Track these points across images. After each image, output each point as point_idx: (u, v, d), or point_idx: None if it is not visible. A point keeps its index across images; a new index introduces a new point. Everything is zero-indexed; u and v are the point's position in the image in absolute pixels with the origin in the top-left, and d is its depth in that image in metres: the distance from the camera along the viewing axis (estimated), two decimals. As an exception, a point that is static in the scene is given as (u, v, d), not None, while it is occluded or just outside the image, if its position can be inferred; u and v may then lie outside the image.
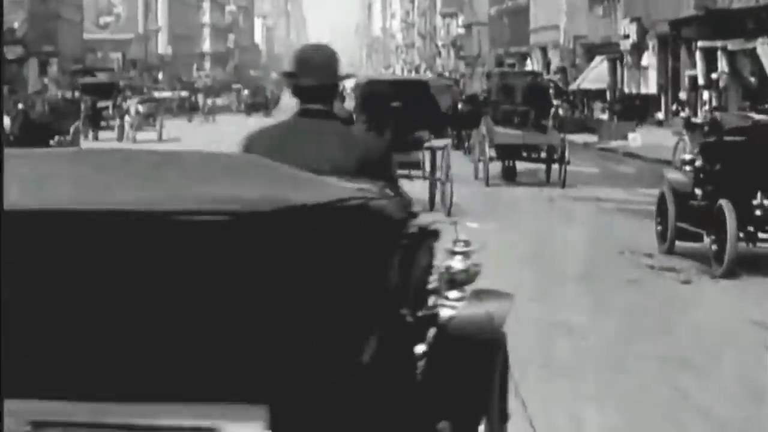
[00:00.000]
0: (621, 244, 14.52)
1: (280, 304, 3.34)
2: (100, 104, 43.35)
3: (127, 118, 40.16)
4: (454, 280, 4.57)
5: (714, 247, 12.34)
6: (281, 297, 3.35)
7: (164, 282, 3.36)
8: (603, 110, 48.30)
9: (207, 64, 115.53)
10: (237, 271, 3.33)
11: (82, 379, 3.40)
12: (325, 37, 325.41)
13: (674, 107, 38.80)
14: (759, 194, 12.36)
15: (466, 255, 4.65)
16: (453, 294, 4.54)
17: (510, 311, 4.70)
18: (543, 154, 23.87)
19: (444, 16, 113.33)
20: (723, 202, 12.17)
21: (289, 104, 59.33)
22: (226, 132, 48.85)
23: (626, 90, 49.30)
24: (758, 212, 12.34)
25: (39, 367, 3.41)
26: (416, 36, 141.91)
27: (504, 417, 4.89)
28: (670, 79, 43.41)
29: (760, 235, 12.60)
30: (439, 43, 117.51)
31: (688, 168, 13.56)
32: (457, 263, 4.60)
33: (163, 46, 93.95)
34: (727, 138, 13.29)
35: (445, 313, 4.43)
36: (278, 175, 3.53)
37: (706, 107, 36.83)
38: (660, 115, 43.14)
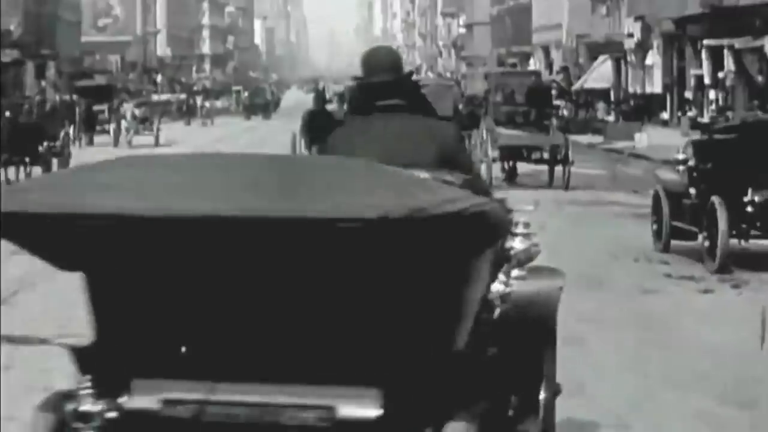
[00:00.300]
0: (635, 251, 13.84)
1: (398, 301, 3.86)
2: (96, 108, 42.44)
3: (123, 122, 39.22)
4: (516, 260, 4.83)
5: (706, 243, 12.56)
6: (400, 295, 3.86)
7: (296, 280, 3.84)
8: (606, 110, 47.76)
9: (206, 66, 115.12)
10: (362, 271, 3.82)
11: (214, 362, 3.91)
12: (325, 39, 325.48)
13: (686, 108, 38.19)
14: (750, 191, 12.56)
15: (526, 236, 4.89)
16: (515, 272, 4.80)
17: (563, 288, 5.07)
18: (545, 155, 23.70)
19: (445, 16, 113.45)
20: (715, 200, 12.37)
21: (289, 106, 58.64)
22: (225, 135, 48.26)
23: (630, 89, 48.78)
24: (749, 209, 12.56)
25: (174, 352, 3.94)
26: (417, 36, 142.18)
27: (556, 390, 5.13)
28: (675, 79, 42.88)
29: (752, 231, 12.80)
30: (440, 44, 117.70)
31: (681, 167, 13.72)
32: (519, 243, 4.85)
33: (161, 48, 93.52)
34: (718, 136, 13.65)
35: (508, 290, 4.73)
36: (396, 181, 3.80)
37: (713, 107, 36.32)
38: (665, 115, 42.59)
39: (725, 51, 36.12)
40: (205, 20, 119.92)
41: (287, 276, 3.92)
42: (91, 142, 41.29)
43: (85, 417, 3.94)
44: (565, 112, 39.08)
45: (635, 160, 31.90)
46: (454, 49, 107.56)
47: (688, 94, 39.85)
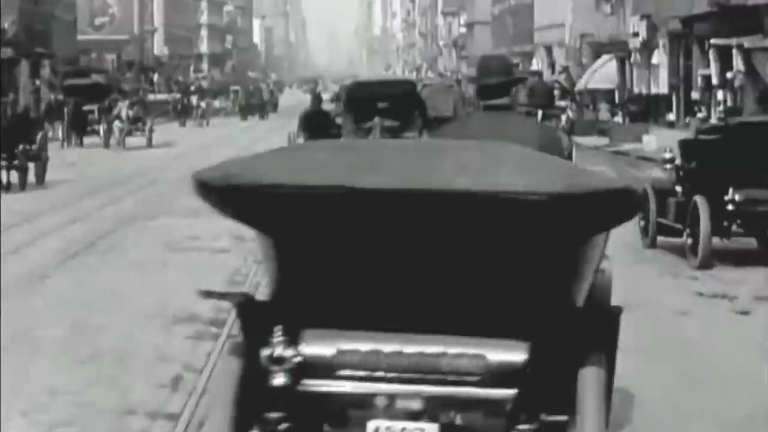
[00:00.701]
0: (660, 265, 13.22)
1: (545, 264, 4.59)
2: (86, 108, 40.88)
3: (117, 122, 37.71)
4: None
5: (689, 240, 13.18)
6: (548, 259, 4.58)
7: (459, 247, 4.56)
8: (609, 111, 46.93)
9: (204, 66, 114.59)
10: (520, 240, 4.52)
11: (382, 316, 4.65)
12: (324, 38, 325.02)
13: (695, 109, 37.34)
14: (731, 190, 13.12)
15: None
16: None
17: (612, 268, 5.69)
18: None
19: (445, 15, 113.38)
20: (698, 198, 13.00)
21: (287, 106, 57.30)
22: (220, 136, 46.65)
23: (635, 90, 48.00)
24: (730, 207, 13.14)
25: (348, 307, 4.70)
26: (417, 36, 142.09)
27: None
28: (681, 79, 42.06)
29: (734, 228, 13.43)
30: (441, 43, 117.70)
31: (668, 166, 14.31)
32: None
33: (159, 47, 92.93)
34: (702, 137, 14.30)
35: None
36: (554, 163, 4.72)
37: (721, 108, 35.51)
38: (671, 116, 41.74)
39: (734, 50, 35.28)
40: (203, 19, 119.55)
41: (452, 242, 4.64)
42: (81, 143, 40.08)
43: (279, 361, 4.72)
44: (570, 113, 38.19)
45: (644, 163, 30.87)
46: (454, 49, 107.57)
47: (695, 95, 39.00)
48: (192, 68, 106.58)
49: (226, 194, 4.80)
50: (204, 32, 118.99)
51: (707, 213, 12.85)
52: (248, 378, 4.79)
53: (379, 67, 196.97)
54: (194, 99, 61.93)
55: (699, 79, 39.56)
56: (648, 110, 42.84)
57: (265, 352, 4.76)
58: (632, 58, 48.44)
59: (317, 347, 4.79)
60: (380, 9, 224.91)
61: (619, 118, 43.84)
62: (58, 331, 9.98)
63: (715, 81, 37.56)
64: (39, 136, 25.01)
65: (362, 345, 4.76)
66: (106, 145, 37.95)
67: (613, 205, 4.65)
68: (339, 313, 4.80)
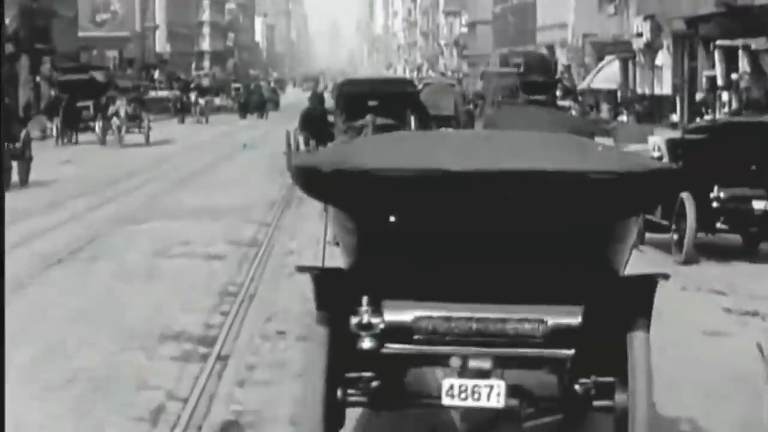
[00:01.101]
0: (682, 277, 12.32)
1: (603, 233, 5.53)
2: (81, 104, 39.94)
3: (115, 119, 36.69)
4: None
5: (675, 236, 13.80)
6: (602, 233, 5.51)
7: (528, 225, 5.44)
8: (610, 111, 46.63)
9: (206, 63, 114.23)
10: (582, 216, 5.42)
11: (455, 287, 5.53)
12: (326, 36, 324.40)
13: (702, 110, 36.99)
14: (716, 188, 13.75)
15: None
16: None
17: None
18: None
19: (447, 14, 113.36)
20: (684, 195, 13.44)
21: (287, 103, 56.41)
22: (219, 134, 46.01)
23: (638, 90, 47.66)
24: (715, 204, 13.78)
25: (425, 279, 5.56)
26: (418, 35, 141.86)
27: None
28: (686, 80, 41.70)
29: (719, 225, 14.00)
30: (442, 42, 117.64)
31: None
32: None
33: (161, 44, 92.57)
34: (688, 136, 14.70)
35: None
36: (607, 150, 5.93)
37: (725, 109, 35.18)
38: (675, 117, 41.36)
39: (740, 52, 34.95)
40: (206, 17, 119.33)
41: (519, 219, 5.37)
42: (75, 141, 38.79)
43: (367, 327, 5.52)
44: (574, 114, 37.90)
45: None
46: (456, 48, 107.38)
47: (699, 96, 38.66)
48: (194, 65, 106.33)
49: (331, 179, 5.53)
50: (206, 29, 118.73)
51: (693, 210, 13.43)
52: (336, 343, 5.68)
53: (380, 66, 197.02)
54: (193, 96, 60.79)
55: (704, 81, 39.21)
56: (651, 111, 42.52)
57: (354, 320, 5.66)
58: (636, 59, 48.11)
59: (397, 315, 5.67)
60: (381, 8, 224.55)
61: (624, 117, 43.48)
62: (29, 353, 8.94)
63: (720, 82, 37.22)
64: (23, 133, 23.88)
65: (437, 312, 5.65)
66: (103, 142, 37.16)
67: (661, 183, 5.65)
68: (418, 286, 5.67)
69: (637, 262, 12.25)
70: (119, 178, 25.54)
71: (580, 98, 49.85)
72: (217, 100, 72.10)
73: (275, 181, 23.84)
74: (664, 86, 44.04)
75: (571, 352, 5.58)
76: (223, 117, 63.48)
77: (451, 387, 5.63)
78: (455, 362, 5.68)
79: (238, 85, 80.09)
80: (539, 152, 5.58)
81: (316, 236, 14.75)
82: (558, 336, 5.58)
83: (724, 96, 36.57)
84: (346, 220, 5.85)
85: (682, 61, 42.31)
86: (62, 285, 12.23)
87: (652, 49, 45.41)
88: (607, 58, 51.61)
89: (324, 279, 5.87)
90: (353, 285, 5.74)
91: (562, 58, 63.46)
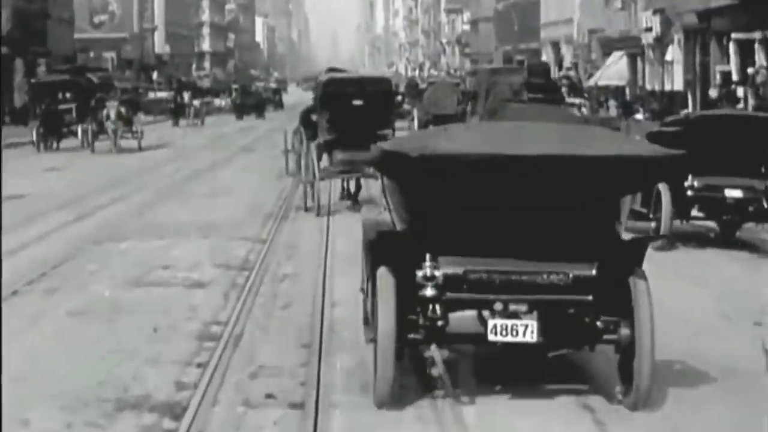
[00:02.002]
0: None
1: (612, 204, 7.44)
2: (63, 107, 36.52)
3: (109, 123, 33.42)
4: None
5: (653, 224, 14.49)
6: (613, 200, 7.42)
7: (562, 188, 7.21)
8: (618, 108, 45.42)
9: (207, 64, 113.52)
10: (602, 186, 7.28)
11: (499, 246, 7.30)
12: (327, 37, 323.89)
13: (719, 107, 35.76)
14: (690, 177, 14.47)
15: None
16: None
17: None
18: None
19: (449, 12, 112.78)
20: (660, 185, 14.05)
21: (289, 104, 54.01)
22: (215, 137, 43.21)
23: (648, 87, 46.54)
24: (690, 192, 14.53)
25: (474, 240, 7.33)
26: (420, 33, 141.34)
27: None
28: (698, 75, 40.54)
29: (693, 213, 14.79)
30: (444, 41, 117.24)
31: None
32: None
33: (160, 45, 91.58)
34: (665, 128, 15.39)
35: None
36: (615, 137, 8.23)
37: (741, 105, 34.00)
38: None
39: (756, 45, 33.78)
40: (205, 17, 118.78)
41: (551, 193, 7.27)
42: (54, 147, 35.10)
43: (430, 278, 7.24)
44: (584, 111, 36.70)
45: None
46: (458, 46, 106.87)
47: (713, 92, 37.51)
48: (194, 66, 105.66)
49: (414, 162, 7.16)
50: (206, 30, 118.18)
51: (669, 198, 14.18)
52: (403, 290, 7.24)
53: (381, 65, 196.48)
54: (186, 97, 57.43)
55: (717, 76, 38.06)
56: (670, 108, 41.31)
57: (419, 273, 7.24)
58: (645, 55, 46.96)
59: (452, 268, 7.29)
60: (382, 7, 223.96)
61: (640, 115, 42.22)
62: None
63: (735, 77, 36.08)
64: None
65: (483, 266, 7.31)
66: (92, 148, 34.00)
67: (666, 166, 7.61)
68: (468, 245, 7.37)
69: None
70: (103, 188, 22.99)
71: (585, 95, 48.69)
72: (218, 101, 70.66)
73: (272, 189, 22.33)
74: (675, 82, 42.92)
75: (589, 297, 7.33)
76: (221, 118, 61.43)
77: (495, 326, 7.29)
78: (499, 306, 7.35)
79: (237, 86, 78.41)
80: (563, 140, 7.48)
81: (315, 258, 13.76)
82: (578, 285, 7.32)
83: (740, 91, 35.40)
84: (413, 194, 7.64)
85: (694, 55, 41.24)
86: (5, 331, 8.97)
87: (662, 44, 44.31)
88: (615, 54, 50.49)
89: (393, 238, 7.68)
90: (416, 245, 7.34)
91: (567, 55, 62.37)
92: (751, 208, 14.55)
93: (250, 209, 19.09)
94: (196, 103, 57.10)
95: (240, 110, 63.03)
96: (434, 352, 8.43)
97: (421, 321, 7.38)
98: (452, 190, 7.38)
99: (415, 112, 41.10)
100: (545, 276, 7.34)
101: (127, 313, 10.54)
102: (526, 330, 7.29)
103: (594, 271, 7.31)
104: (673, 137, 14.21)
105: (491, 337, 7.32)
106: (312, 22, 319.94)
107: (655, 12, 44.21)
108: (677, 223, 14.69)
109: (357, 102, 18.62)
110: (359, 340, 8.65)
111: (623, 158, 7.24)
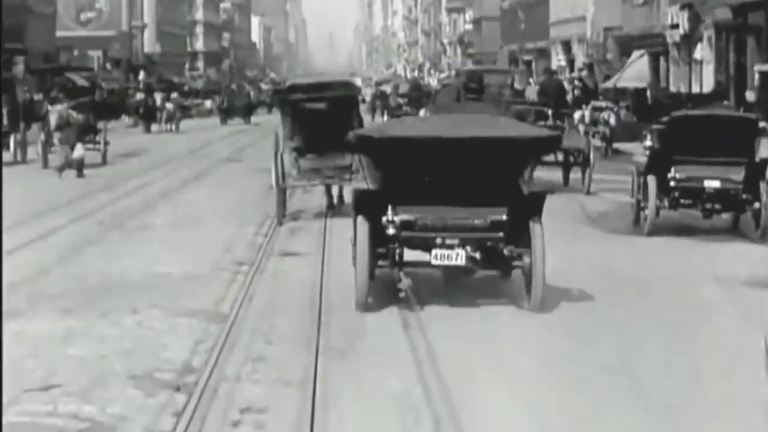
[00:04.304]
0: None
1: (515, 171, 11.14)
2: None
3: (56, 133, 26.92)
4: None
5: (646, 211, 16.35)
6: (516, 168, 11.16)
7: (475, 163, 10.96)
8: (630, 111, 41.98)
9: (200, 64, 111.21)
10: (505, 158, 11.09)
11: (438, 199, 10.94)
12: (324, 37, 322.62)
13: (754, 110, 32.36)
14: (673, 169, 16.14)
15: None
16: None
17: None
18: (560, 158, 23.54)
19: (450, 11, 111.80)
20: (649, 177, 16.21)
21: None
22: (193, 147, 36.68)
23: (672, 89, 43.15)
24: (672, 183, 16.15)
25: (422, 194, 10.99)
26: (419, 33, 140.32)
27: None
28: (732, 76, 37.22)
29: (681, 201, 16.30)
30: (445, 41, 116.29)
31: (647, 152, 17.76)
32: None
33: (150, 44, 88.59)
34: (655, 126, 17.36)
35: None
36: (515, 124, 12.68)
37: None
38: (719, 118, 36.80)
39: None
40: (199, 16, 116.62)
41: (477, 162, 10.87)
42: None
43: (391, 222, 10.82)
44: (612, 118, 33.21)
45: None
46: (460, 46, 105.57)
47: (750, 95, 34.16)
48: (187, 66, 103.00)
49: (376, 142, 11.26)
50: (199, 29, 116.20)
51: (654, 188, 16.08)
52: (374, 230, 10.83)
53: (379, 66, 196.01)
54: (159, 98, 51.15)
55: (755, 77, 34.80)
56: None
57: (384, 217, 10.87)
58: (669, 54, 43.57)
59: (406, 215, 10.91)
60: (380, 7, 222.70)
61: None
62: None
63: (776, 78, 32.81)
64: None
65: (429, 213, 10.94)
66: (43, 163, 27.53)
67: (548, 143, 12.03)
68: (417, 198, 10.96)
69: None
70: (24, 221, 17.23)
71: (601, 98, 45.25)
72: (209, 104, 66.68)
73: (253, 217, 18.15)
74: (705, 84, 39.54)
75: (501, 234, 10.89)
76: (204, 123, 55.79)
77: (436, 254, 10.82)
78: (438, 241, 10.85)
79: (233, 86, 73.83)
80: (488, 126, 11.73)
81: (305, 359, 8.90)
82: (493, 225, 10.88)
83: (783, 94, 32.15)
84: (378, 165, 11.29)
85: (726, 54, 37.91)
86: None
87: (689, 41, 41.03)
88: (635, 53, 47.15)
89: (366, 195, 11.16)
90: (382, 198, 10.95)
91: (579, 55, 59.17)
92: (728, 198, 16.23)
93: (214, 257, 14.24)
94: (170, 105, 50.90)
95: (225, 113, 57.60)
96: (404, 281, 11.77)
97: (385, 251, 10.93)
98: (405, 161, 10.99)
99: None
100: (470, 220, 10.84)
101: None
102: (457, 257, 10.77)
103: (504, 216, 10.79)
104: (659, 134, 16.95)
105: (434, 262, 10.84)
106: (309, 23, 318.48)
107: (682, 7, 40.91)
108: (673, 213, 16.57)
109: (319, 107, 18.49)
110: None
111: (512, 138, 11.12)
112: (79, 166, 25.75)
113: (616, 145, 32.53)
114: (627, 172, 25.14)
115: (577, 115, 33.66)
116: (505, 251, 10.79)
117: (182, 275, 12.88)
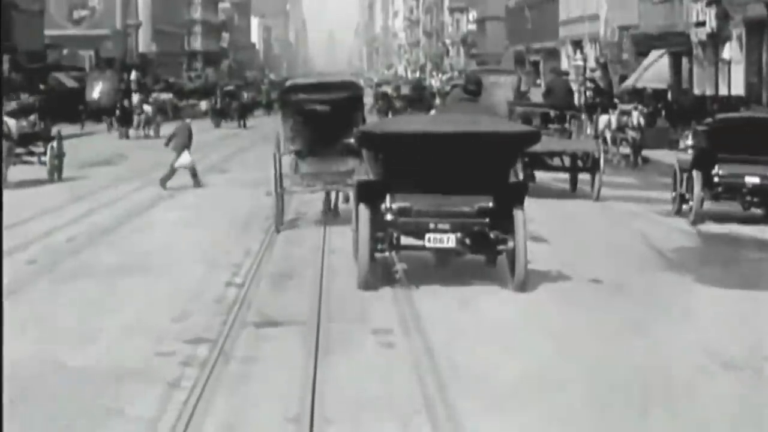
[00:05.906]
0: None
1: (501, 162, 12.18)
2: None
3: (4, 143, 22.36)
4: None
5: (690, 203, 18.26)
6: (502, 160, 12.21)
7: (469, 152, 11.98)
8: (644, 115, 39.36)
9: (199, 64, 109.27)
10: (491, 151, 12.04)
11: (434, 187, 11.99)
12: (325, 38, 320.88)
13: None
14: (717, 166, 18.04)
15: None
16: None
17: None
18: (567, 162, 22.94)
19: (453, 11, 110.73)
20: (694, 173, 18.17)
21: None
22: (162, 158, 26.49)
23: (696, 90, 40.54)
24: (716, 179, 18.02)
25: (419, 183, 12.00)
26: (421, 34, 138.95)
27: None
28: (765, 78, 34.56)
29: (722, 195, 18.13)
30: (447, 41, 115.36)
31: (689, 150, 19.49)
32: None
33: (145, 43, 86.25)
34: (699, 127, 20.11)
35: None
36: (500, 121, 14.47)
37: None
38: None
39: None
40: (197, 15, 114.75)
41: (466, 155, 11.89)
42: None
43: (389, 209, 11.92)
44: (642, 120, 30.56)
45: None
46: (463, 47, 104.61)
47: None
48: (185, 66, 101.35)
49: (376, 137, 12.37)
50: (198, 29, 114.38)
51: (700, 183, 17.91)
52: (374, 217, 11.76)
53: (380, 67, 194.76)
54: (136, 99, 46.94)
55: (793, 78, 32.13)
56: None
57: (383, 205, 11.87)
58: (693, 53, 40.93)
59: (403, 203, 11.91)
60: (381, 8, 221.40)
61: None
62: None
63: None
64: None
65: (423, 201, 11.90)
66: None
67: (529, 138, 12.44)
68: (412, 188, 11.93)
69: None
70: None
71: (615, 100, 42.70)
72: (204, 105, 63.91)
73: (223, 268, 13.15)
74: (734, 85, 36.86)
75: (487, 220, 11.88)
76: (195, 126, 50.58)
77: (429, 238, 11.81)
78: (431, 226, 11.81)
79: (230, 87, 70.41)
80: (477, 123, 12.34)
81: None
82: (480, 212, 11.88)
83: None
84: (378, 157, 12.22)
85: (759, 54, 35.23)
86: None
87: (716, 40, 38.35)
88: (653, 53, 44.55)
89: (367, 185, 12.16)
90: (381, 188, 11.96)
91: (592, 55, 56.67)
92: (766, 193, 17.89)
93: (164, 319, 10.25)
94: (148, 108, 46.32)
95: (219, 116, 54.72)
96: (398, 265, 12.79)
97: (384, 236, 11.98)
98: (402, 154, 12.05)
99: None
100: (461, 206, 11.94)
101: None
102: (448, 240, 11.89)
103: (490, 204, 11.91)
104: (704, 135, 18.85)
105: (427, 245, 11.95)
106: (309, 23, 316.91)
107: (709, 3, 38.20)
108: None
109: (322, 108, 17.79)
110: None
111: (497, 133, 12.24)
112: None
113: (645, 152, 30.01)
114: (653, 185, 22.98)
115: (602, 119, 31.24)
116: (491, 235, 11.92)
117: (92, 372, 8.35)
